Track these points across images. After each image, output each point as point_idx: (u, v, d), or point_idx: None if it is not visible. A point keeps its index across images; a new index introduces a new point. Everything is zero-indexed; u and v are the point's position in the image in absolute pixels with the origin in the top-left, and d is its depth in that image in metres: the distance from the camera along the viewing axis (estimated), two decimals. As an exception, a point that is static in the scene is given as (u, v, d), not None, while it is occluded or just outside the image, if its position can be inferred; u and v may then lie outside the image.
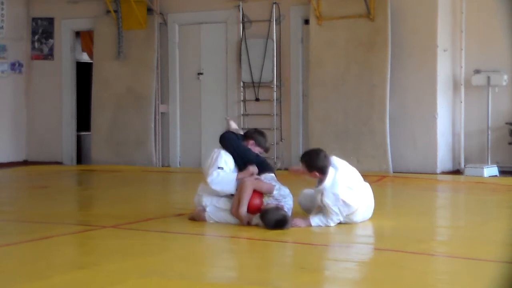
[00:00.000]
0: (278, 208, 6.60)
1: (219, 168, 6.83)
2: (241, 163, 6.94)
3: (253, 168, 6.83)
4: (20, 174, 13.11)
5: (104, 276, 5.01)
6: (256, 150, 7.11)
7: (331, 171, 6.65)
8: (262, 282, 5.01)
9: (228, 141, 7.03)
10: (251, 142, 7.11)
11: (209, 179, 6.81)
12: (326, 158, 6.73)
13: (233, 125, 7.46)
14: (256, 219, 6.71)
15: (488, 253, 5.67)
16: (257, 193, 6.71)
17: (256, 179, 6.78)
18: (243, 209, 6.65)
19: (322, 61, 12.18)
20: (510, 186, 9.99)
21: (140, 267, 5.28)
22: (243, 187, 6.68)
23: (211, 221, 6.89)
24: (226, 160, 6.90)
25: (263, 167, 6.97)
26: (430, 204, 8.88)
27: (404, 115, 11.86)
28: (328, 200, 6.57)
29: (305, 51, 12.63)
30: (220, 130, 7.47)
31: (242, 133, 7.45)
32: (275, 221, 6.49)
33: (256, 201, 6.70)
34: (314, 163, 6.68)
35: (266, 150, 7.25)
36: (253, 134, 7.23)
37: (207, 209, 6.93)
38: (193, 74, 13.67)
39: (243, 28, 13.09)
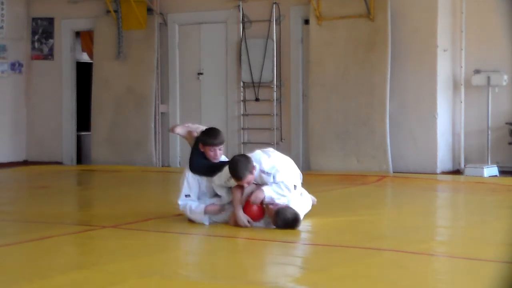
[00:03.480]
0: (288, 207, 6.60)
1: (186, 196, 6.86)
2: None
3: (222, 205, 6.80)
4: (20, 174, 13.11)
5: (104, 276, 5.01)
6: (207, 150, 6.84)
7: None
8: (262, 282, 5.01)
9: (198, 171, 6.91)
10: (200, 144, 6.89)
11: (184, 211, 6.88)
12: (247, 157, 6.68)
13: (180, 130, 7.34)
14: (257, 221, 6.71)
15: (488, 253, 5.67)
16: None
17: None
18: (239, 212, 6.65)
19: (322, 61, 12.18)
20: (510, 186, 9.99)
21: (140, 267, 5.28)
22: (233, 196, 6.74)
23: (210, 221, 6.89)
24: (190, 185, 6.87)
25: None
26: (430, 204, 8.88)
27: (404, 115, 11.87)
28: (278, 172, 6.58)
29: (305, 51, 12.63)
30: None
31: (197, 129, 7.21)
32: (291, 220, 6.50)
33: (255, 207, 6.69)
34: (250, 166, 6.58)
35: (216, 145, 6.85)
36: (200, 135, 6.97)
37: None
38: (193, 74, 13.68)
39: (243, 28, 13.10)
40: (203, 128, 7.15)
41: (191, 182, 6.89)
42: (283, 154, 7.05)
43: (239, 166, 6.54)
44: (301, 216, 6.75)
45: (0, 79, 14.44)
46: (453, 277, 5.08)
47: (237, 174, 6.54)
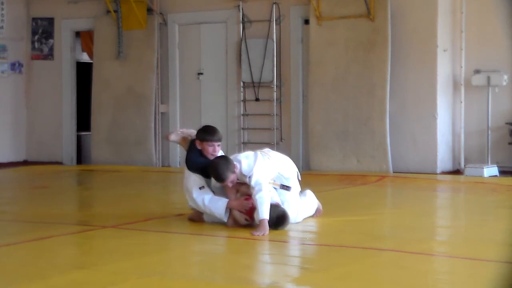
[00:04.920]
0: (276, 205, 6.59)
1: (200, 188, 6.79)
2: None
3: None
4: (20, 174, 13.10)
5: (104, 276, 5.01)
6: (206, 146, 6.78)
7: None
8: (262, 282, 5.01)
9: (195, 169, 6.85)
10: (197, 142, 6.84)
11: (200, 206, 6.77)
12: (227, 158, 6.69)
13: (174, 137, 7.32)
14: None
15: (488, 253, 5.67)
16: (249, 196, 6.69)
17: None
18: (236, 212, 6.66)
19: (322, 61, 12.18)
20: (510, 186, 9.99)
21: (140, 267, 5.28)
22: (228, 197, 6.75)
23: (210, 222, 6.88)
24: (198, 178, 6.81)
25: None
26: (430, 204, 8.88)
27: (404, 115, 11.87)
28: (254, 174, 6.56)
29: (305, 51, 12.64)
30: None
31: (191, 133, 7.16)
32: (276, 218, 6.49)
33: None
34: (231, 166, 6.60)
35: (214, 141, 6.81)
36: (197, 133, 6.92)
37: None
38: (193, 74, 13.68)
39: (243, 28, 13.10)
40: None
41: (198, 177, 6.85)
42: (281, 154, 7.05)
43: (219, 168, 6.56)
44: (297, 216, 6.74)
45: (0, 79, 14.45)
46: (453, 277, 5.08)
47: (219, 177, 6.58)
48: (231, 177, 6.58)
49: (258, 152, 6.85)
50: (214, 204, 6.72)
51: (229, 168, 6.56)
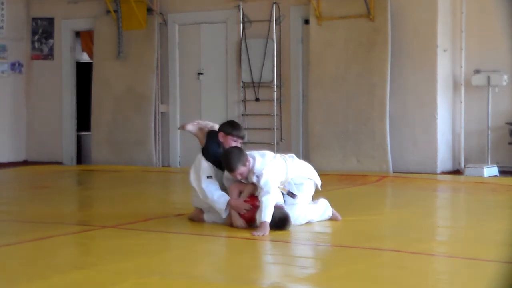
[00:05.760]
0: (280, 208, 6.59)
1: (208, 177, 6.80)
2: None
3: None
4: (20, 174, 13.10)
5: (104, 276, 5.01)
6: (229, 140, 6.83)
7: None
8: (262, 282, 5.01)
9: (212, 158, 6.86)
10: (221, 134, 6.88)
11: (206, 196, 6.78)
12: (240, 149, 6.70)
13: (191, 127, 7.35)
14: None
15: (488, 253, 5.67)
16: (250, 197, 6.68)
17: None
18: (235, 215, 6.66)
19: (322, 61, 12.18)
20: (510, 186, 9.99)
21: (140, 267, 5.28)
22: (230, 195, 6.73)
23: (210, 222, 6.89)
24: (208, 168, 6.83)
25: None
26: (430, 204, 8.88)
27: (404, 115, 11.87)
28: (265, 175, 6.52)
29: (305, 51, 12.64)
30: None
31: (207, 125, 7.28)
32: (278, 219, 6.48)
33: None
34: (243, 158, 6.58)
35: (239, 137, 6.87)
36: (221, 126, 6.98)
37: (205, 210, 6.93)
38: (193, 74, 13.68)
39: (243, 28, 13.10)
40: (214, 124, 7.18)
41: (208, 166, 6.85)
42: (304, 162, 7.05)
43: (231, 157, 6.55)
44: (299, 218, 6.73)
45: (0, 79, 14.45)
46: (453, 277, 5.08)
47: (229, 165, 6.57)
48: (240, 169, 6.55)
49: (278, 155, 6.83)
50: (217, 197, 6.72)
51: (241, 160, 6.54)
